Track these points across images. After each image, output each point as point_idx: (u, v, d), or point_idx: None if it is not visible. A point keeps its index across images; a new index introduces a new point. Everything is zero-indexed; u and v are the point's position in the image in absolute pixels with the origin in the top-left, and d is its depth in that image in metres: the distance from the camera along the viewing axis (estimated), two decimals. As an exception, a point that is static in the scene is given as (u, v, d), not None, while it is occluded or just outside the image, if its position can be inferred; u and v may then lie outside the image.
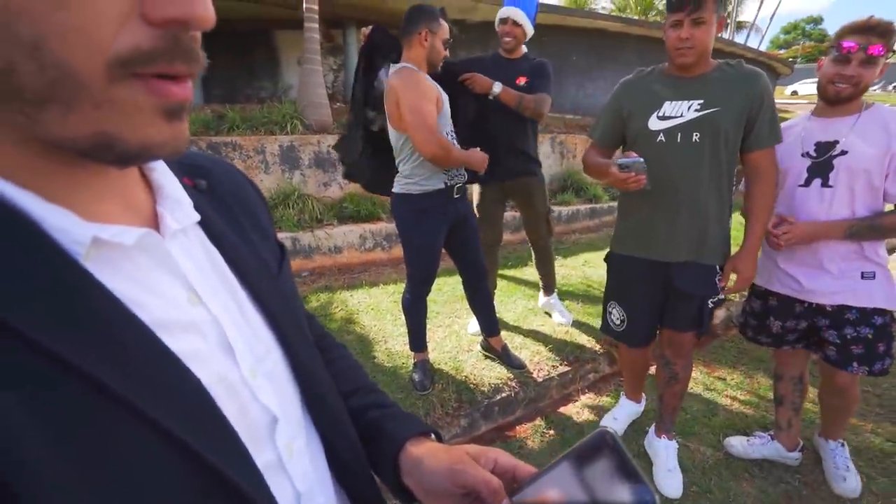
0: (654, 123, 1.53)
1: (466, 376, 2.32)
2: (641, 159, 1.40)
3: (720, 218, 1.57)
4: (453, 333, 2.74)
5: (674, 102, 1.50)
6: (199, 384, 0.30)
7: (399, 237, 2.17)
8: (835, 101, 1.51)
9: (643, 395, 2.18)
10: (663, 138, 1.52)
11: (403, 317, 2.30)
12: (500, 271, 3.32)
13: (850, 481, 1.77)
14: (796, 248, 1.60)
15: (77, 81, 0.24)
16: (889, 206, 1.55)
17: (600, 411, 2.26)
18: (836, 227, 1.52)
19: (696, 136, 1.48)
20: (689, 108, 1.48)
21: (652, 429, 1.97)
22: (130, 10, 0.25)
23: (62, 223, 0.27)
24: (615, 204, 6.22)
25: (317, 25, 4.65)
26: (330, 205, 4.21)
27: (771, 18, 25.22)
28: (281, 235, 3.63)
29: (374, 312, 3.02)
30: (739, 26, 21.19)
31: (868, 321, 1.57)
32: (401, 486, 0.46)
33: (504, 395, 2.25)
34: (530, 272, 3.98)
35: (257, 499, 0.31)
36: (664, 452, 1.87)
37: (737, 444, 1.97)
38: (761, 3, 22.03)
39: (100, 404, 0.25)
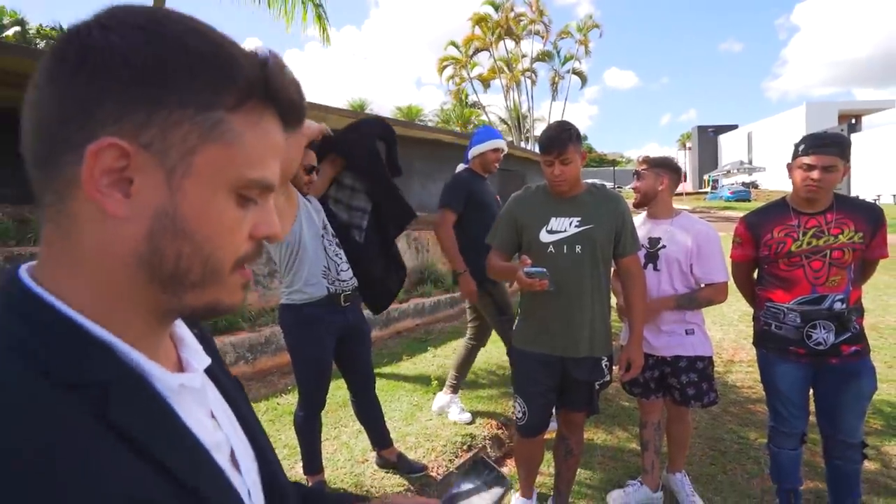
0: (545, 236, 1.83)
1: (367, 490, 2.18)
2: (544, 270, 1.65)
3: (603, 315, 1.91)
4: (343, 445, 2.57)
5: (558, 218, 1.83)
6: (237, 491, 0.42)
7: (287, 350, 2.07)
8: (638, 206, 2.20)
9: (535, 489, 2.26)
10: (553, 249, 1.82)
11: (291, 436, 2.10)
12: (376, 370, 3.29)
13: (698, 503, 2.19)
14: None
15: (219, 275, 0.38)
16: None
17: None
18: (668, 300, 2.07)
19: (578, 248, 1.80)
20: (570, 223, 1.82)
21: (550, 502, 2.13)
22: (248, 233, 0.40)
23: (157, 373, 0.37)
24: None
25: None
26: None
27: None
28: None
29: (248, 438, 2.66)
30: (537, 139, 27.05)
31: (693, 367, 2.10)
32: None
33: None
34: (405, 367, 4.03)
35: None
36: (564, 523, 2.03)
37: (617, 497, 2.25)
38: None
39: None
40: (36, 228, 3.49)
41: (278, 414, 2.99)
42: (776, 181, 36.90)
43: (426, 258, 6.96)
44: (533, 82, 26.08)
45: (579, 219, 1.83)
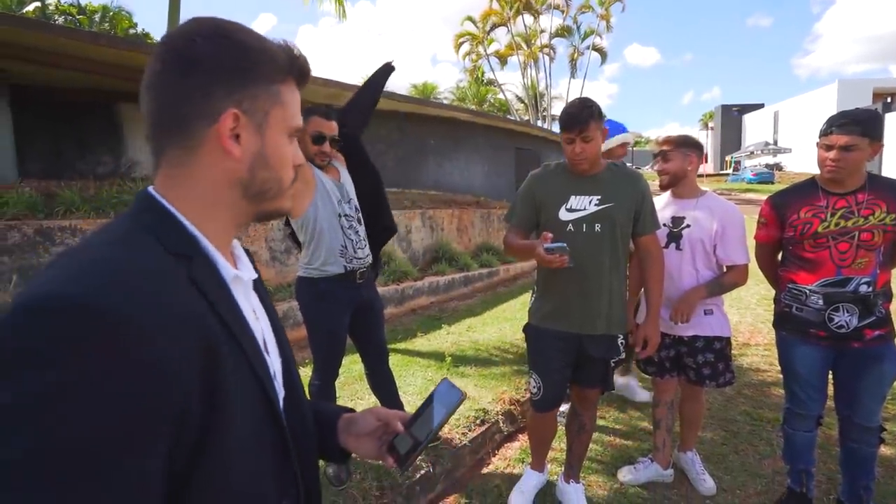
0: (564, 215, 1.82)
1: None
2: (565, 244, 1.63)
3: (620, 293, 1.91)
4: (360, 416, 2.64)
5: (578, 197, 1.82)
6: (266, 363, 0.58)
7: (304, 323, 2.11)
8: (665, 187, 2.16)
9: (546, 464, 2.31)
10: (572, 228, 1.80)
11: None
12: (391, 346, 3.35)
13: (707, 482, 2.22)
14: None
15: (284, 189, 0.59)
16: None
17: (513, 474, 2.39)
18: (700, 291, 2.04)
19: (598, 227, 1.79)
20: (590, 202, 1.80)
21: (560, 477, 2.17)
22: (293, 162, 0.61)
23: (221, 262, 0.55)
24: (485, 271, 6.84)
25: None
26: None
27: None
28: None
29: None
30: (554, 118, 26.47)
31: (711, 347, 2.11)
32: (337, 446, 0.74)
33: (422, 472, 2.24)
34: (420, 343, 4.09)
35: (276, 406, 0.58)
36: (575, 496, 2.07)
37: (627, 473, 2.29)
38: (566, 103, 28.17)
39: (235, 358, 0.51)
40: (64, 202, 3.59)
41: (296, 385, 3.08)
42: (802, 163, 35.51)
43: (440, 237, 6.96)
44: (551, 59, 25.38)
45: (599, 197, 1.81)
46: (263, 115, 0.55)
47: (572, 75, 25.78)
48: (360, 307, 2.12)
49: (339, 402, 2.76)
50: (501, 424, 2.66)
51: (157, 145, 0.55)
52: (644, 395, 3.04)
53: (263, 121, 0.56)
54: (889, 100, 32.26)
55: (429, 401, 0.72)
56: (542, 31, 24.73)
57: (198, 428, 0.44)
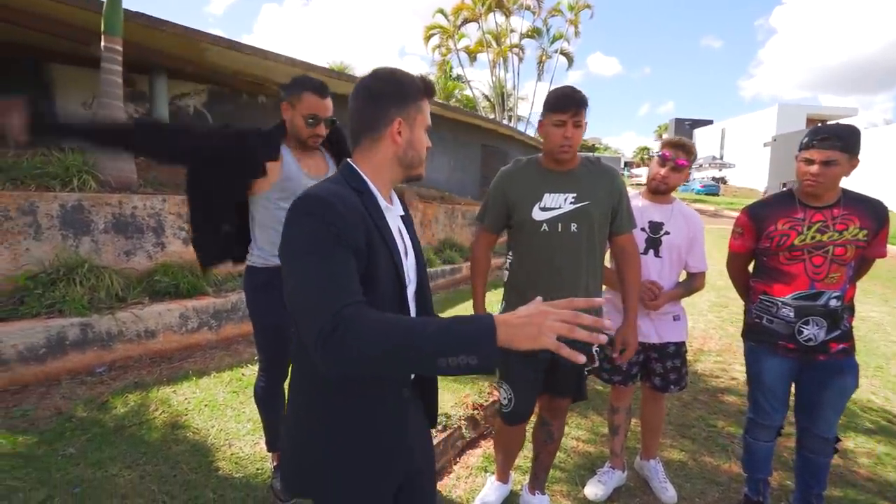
0: (538, 214, 1.69)
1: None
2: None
3: (595, 294, 1.80)
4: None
5: (552, 194, 1.69)
6: (401, 254, 0.99)
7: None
8: (655, 192, 2.09)
9: (511, 473, 2.21)
10: (547, 227, 1.69)
11: (256, 409, 1.96)
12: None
13: (669, 491, 2.20)
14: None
15: (421, 163, 1.05)
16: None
17: (474, 484, 2.27)
18: (676, 293, 2.07)
19: (573, 226, 1.68)
20: (565, 200, 1.69)
21: (525, 487, 2.08)
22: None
23: (381, 199, 0.98)
24: (448, 268, 6.72)
25: (119, 68, 3.97)
26: (136, 279, 3.42)
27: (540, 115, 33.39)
28: (64, 322, 2.77)
29: (210, 409, 2.49)
30: (520, 118, 26.76)
31: (679, 352, 2.13)
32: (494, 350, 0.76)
33: (380, 482, 2.08)
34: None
35: (403, 280, 0.98)
36: (540, 507, 1.99)
37: (594, 487, 2.20)
38: (532, 104, 28.53)
39: (381, 241, 0.93)
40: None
41: (242, 385, 2.83)
42: (744, 178, 38.30)
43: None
44: (520, 59, 25.53)
45: (575, 195, 1.69)
46: (412, 120, 0.98)
47: (539, 78, 26.12)
48: None
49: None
50: (464, 430, 2.54)
51: (356, 138, 1.00)
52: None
53: (413, 123, 0.98)
54: (820, 125, 35.06)
55: None
56: (512, 31, 24.87)
57: (364, 264, 0.87)
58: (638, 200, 2.12)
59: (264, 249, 1.85)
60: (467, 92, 26.82)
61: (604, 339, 0.78)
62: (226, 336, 3.60)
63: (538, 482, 2.03)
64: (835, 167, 1.69)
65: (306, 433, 0.95)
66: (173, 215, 3.80)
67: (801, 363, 1.88)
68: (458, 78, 26.61)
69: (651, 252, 2.07)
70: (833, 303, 1.77)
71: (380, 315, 0.75)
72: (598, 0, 26.95)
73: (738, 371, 4.05)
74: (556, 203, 1.70)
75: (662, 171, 2.04)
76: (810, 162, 1.72)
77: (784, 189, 1.93)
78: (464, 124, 11.07)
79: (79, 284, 2.98)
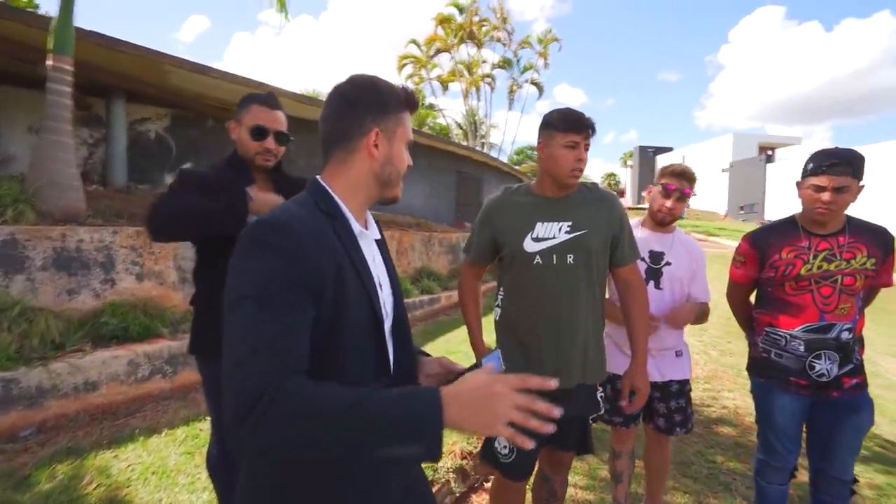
0: (530, 245, 1.54)
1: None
2: (498, 357, 0.96)
3: (597, 333, 1.64)
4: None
5: (545, 223, 1.55)
6: (376, 286, 0.87)
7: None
8: (661, 223, 1.99)
9: None
10: (540, 260, 1.53)
11: (209, 479, 1.67)
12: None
13: (679, 543, 2.00)
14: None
15: (398, 181, 0.94)
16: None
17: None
18: (693, 309, 1.94)
19: (570, 258, 1.53)
20: (559, 229, 1.54)
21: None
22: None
23: (353, 223, 0.87)
24: (426, 298, 6.49)
25: (68, 89, 3.69)
26: (79, 321, 3.05)
27: (511, 143, 34.61)
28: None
29: (158, 477, 2.15)
30: (492, 146, 27.24)
31: (683, 391, 1.99)
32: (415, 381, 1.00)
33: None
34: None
35: (379, 316, 0.86)
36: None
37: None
38: (503, 133, 29.34)
39: (354, 275, 0.82)
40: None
41: (199, 444, 2.48)
42: (703, 202, 40.55)
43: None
44: (492, 88, 26.15)
45: (570, 223, 1.54)
46: (392, 133, 0.90)
47: (510, 107, 26.75)
48: None
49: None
50: (453, 484, 2.29)
51: (327, 150, 0.90)
52: None
53: (392, 136, 0.90)
54: (770, 152, 37.89)
55: (478, 364, 0.93)
56: (483, 62, 25.55)
57: (329, 306, 0.76)
58: (638, 231, 2.00)
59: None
60: (440, 120, 27.21)
61: (551, 428, 0.69)
62: (182, 383, 3.23)
63: (539, 546, 1.80)
64: (847, 193, 1.61)
65: None
66: (126, 248, 3.46)
67: (814, 400, 1.75)
68: (431, 106, 26.99)
69: (651, 283, 1.93)
70: (845, 335, 1.67)
71: (315, 394, 0.64)
72: (564, 33, 28.16)
73: (727, 399, 3.95)
74: (550, 232, 1.54)
75: (668, 202, 1.93)
76: (820, 189, 1.62)
77: (787, 217, 1.84)
78: (439, 151, 11.07)
79: (6, 330, 2.60)
